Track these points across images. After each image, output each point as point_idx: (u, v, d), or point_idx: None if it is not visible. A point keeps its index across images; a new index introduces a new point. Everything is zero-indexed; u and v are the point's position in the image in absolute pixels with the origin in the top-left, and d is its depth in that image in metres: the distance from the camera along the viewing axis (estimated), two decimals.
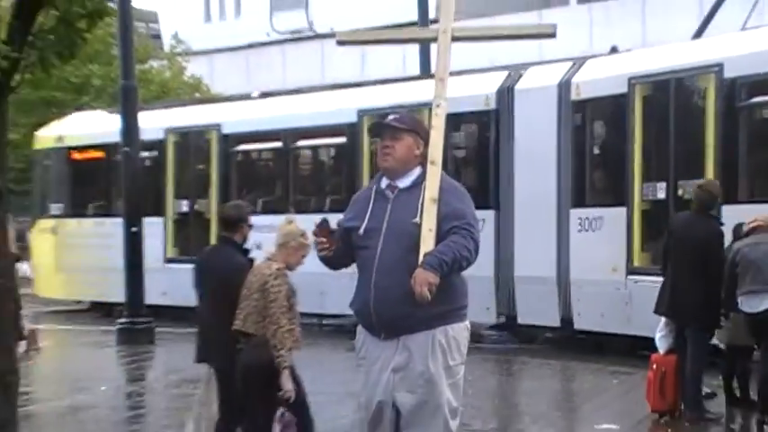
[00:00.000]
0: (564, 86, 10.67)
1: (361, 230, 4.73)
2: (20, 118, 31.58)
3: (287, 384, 5.84)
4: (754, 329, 7.01)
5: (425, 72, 20.33)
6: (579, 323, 10.35)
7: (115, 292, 14.97)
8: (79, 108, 34.84)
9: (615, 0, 40.04)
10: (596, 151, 10.71)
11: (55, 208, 16.39)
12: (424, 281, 4.44)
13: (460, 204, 4.71)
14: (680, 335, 7.65)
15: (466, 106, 11.04)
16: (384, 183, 4.82)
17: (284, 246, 5.94)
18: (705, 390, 7.82)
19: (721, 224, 7.91)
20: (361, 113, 12.39)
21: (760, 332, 6.95)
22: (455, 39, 5.13)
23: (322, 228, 4.77)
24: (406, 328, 4.62)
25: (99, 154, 15.57)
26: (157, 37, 46.00)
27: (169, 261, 16.33)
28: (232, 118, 16.04)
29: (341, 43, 5.45)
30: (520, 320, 11.36)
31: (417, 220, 4.62)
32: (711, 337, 7.74)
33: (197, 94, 37.92)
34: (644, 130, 10.27)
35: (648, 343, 8.17)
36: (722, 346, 8.01)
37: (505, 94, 11.15)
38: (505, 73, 11.23)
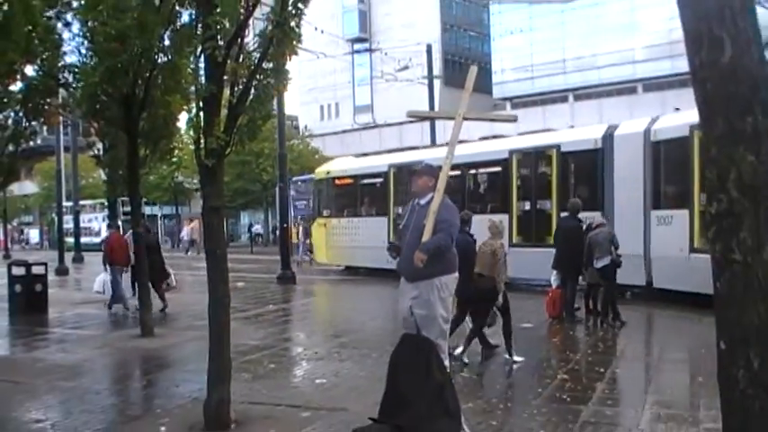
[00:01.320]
0: (647, 132, 10.37)
1: (401, 225, 4.85)
2: (228, 169, 32.16)
3: (500, 299, 6.30)
4: (599, 275, 8.03)
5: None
6: (657, 284, 10.02)
7: (358, 260, 14.78)
8: (258, 164, 35.55)
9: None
10: (668, 174, 10.25)
11: (325, 212, 15.83)
12: (418, 257, 4.47)
13: (447, 215, 4.61)
14: (564, 280, 8.47)
15: (583, 146, 11.02)
16: (416, 201, 4.84)
17: (496, 232, 6.49)
18: (576, 306, 8.42)
19: (581, 221, 8.52)
20: (511, 152, 11.82)
21: (602, 276, 7.99)
22: (465, 119, 4.95)
23: (394, 248, 4.87)
24: (417, 277, 4.59)
25: (349, 180, 15.05)
26: (296, 128, 46.33)
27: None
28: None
29: (410, 115, 5.39)
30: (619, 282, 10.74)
31: (425, 222, 4.63)
32: (577, 280, 8.41)
33: (315, 156, 38.01)
34: (699, 160, 9.73)
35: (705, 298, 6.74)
36: (585, 283, 8.48)
37: (608, 138, 10.84)
38: (606, 125, 11.07)
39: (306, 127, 41.65)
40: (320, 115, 51.43)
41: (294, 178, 28.69)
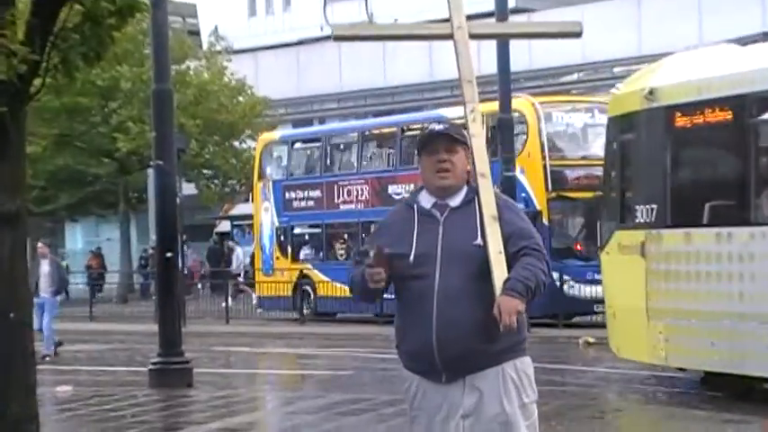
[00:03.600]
0: None
1: (411, 257, 4.70)
2: (39, 128, 32.20)
3: None
4: None
5: (502, 72, 20.34)
6: None
7: None
8: (107, 116, 35.49)
9: None
10: None
11: (651, 214, 13.04)
12: (512, 309, 4.48)
13: (523, 222, 4.80)
14: None
15: None
16: (427, 202, 4.81)
17: None
18: None
19: None
20: None
21: None
22: (472, 36, 5.17)
23: (380, 257, 4.64)
24: (474, 366, 4.64)
25: (724, 115, 12.22)
26: (196, 33, 46.57)
27: None
28: None
29: (338, 38, 5.47)
30: None
31: (479, 241, 4.65)
32: None
33: (240, 97, 38.22)
34: None
35: None
36: None
37: None
38: None
39: (216, 31, 41.75)
40: (249, 5, 52.02)
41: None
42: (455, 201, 4.80)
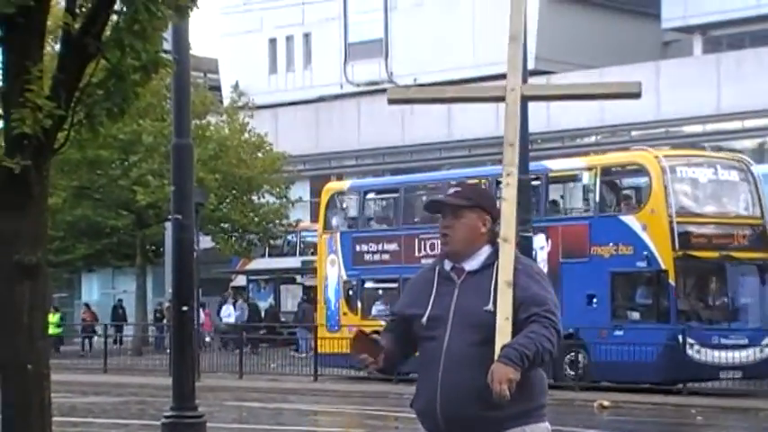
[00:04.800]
0: None
1: (425, 319, 4.75)
2: (59, 179, 32.39)
3: None
4: None
5: (522, 133, 20.39)
6: None
7: None
8: (127, 169, 35.70)
9: (749, 49, 39.99)
10: None
11: None
12: (503, 377, 4.45)
13: (539, 289, 4.72)
14: None
15: None
16: (448, 264, 4.86)
17: None
18: None
19: None
20: None
21: None
22: (525, 98, 5.13)
23: (360, 342, 4.74)
24: (477, 431, 4.64)
25: None
26: (217, 89, 46.97)
27: None
28: None
29: (392, 102, 5.51)
30: None
31: (490, 307, 4.64)
32: None
33: (259, 152, 38.43)
34: None
35: None
36: None
37: None
38: None
39: (237, 87, 42.16)
40: (269, 61, 52.50)
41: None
42: (472, 264, 4.80)
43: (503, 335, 4.57)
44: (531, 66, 22.17)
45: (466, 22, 44.17)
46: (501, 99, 5.17)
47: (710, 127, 38.48)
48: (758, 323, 22.27)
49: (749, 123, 38.13)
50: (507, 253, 4.75)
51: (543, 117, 34.79)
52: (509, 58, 5.20)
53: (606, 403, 19.99)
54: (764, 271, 22.38)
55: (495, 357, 4.52)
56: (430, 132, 42.68)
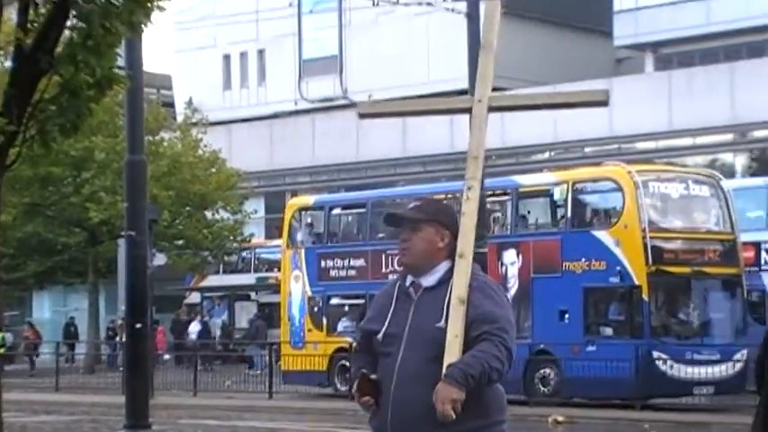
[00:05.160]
0: None
1: (380, 335, 4.74)
2: (10, 197, 32.04)
3: None
4: None
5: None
6: None
7: None
8: (79, 185, 35.43)
9: (700, 67, 40.48)
10: None
11: None
12: (446, 398, 4.44)
13: (493, 306, 4.67)
14: None
15: None
16: (408, 280, 4.84)
17: None
18: None
19: None
20: None
21: None
22: (492, 109, 5.09)
23: (364, 384, 4.71)
24: None
25: None
26: (170, 105, 46.76)
27: None
28: None
29: (363, 116, 5.48)
30: None
31: (442, 324, 4.60)
32: None
33: (213, 169, 38.29)
34: None
35: None
36: None
37: None
38: None
39: (191, 103, 41.99)
40: (224, 77, 52.38)
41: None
42: (429, 281, 4.78)
43: (451, 353, 4.54)
44: None
45: (420, 39, 44.34)
46: (468, 111, 5.15)
47: (663, 143, 38.87)
48: (729, 338, 22.37)
49: (700, 140, 38.57)
50: (463, 269, 4.70)
51: (498, 133, 34.96)
52: (480, 69, 5.16)
53: (560, 418, 20.04)
54: (735, 286, 22.45)
55: (442, 377, 4.50)
56: (385, 148, 42.78)
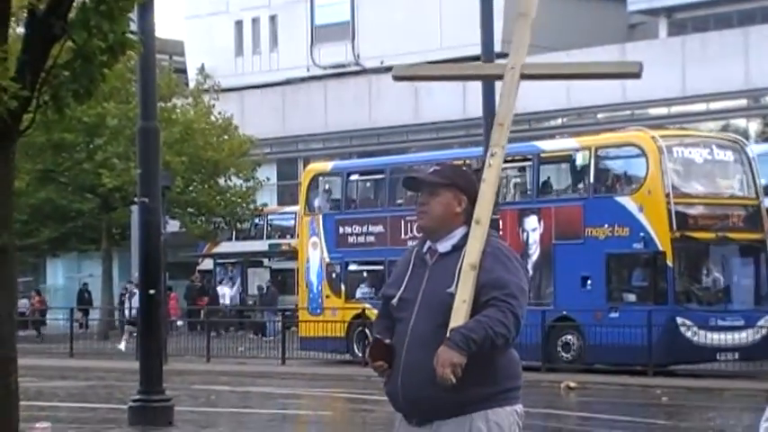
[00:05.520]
0: None
1: (395, 300, 4.80)
2: (24, 163, 32.12)
3: None
4: None
5: (488, 116, 20.37)
6: None
7: None
8: (92, 152, 35.50)
9: (714, 32, 40.23)
10: None
11: None
12: (446, 361, 4.46)
13: (504, 272, 4.67)
14: None
15: None
16: (426, 246, 4.88)
17: None
18: None
19: None
20: None
21: None
22: (524, 77, 5.05)
23: (377, 349, 4.75)
24: (437, 413, 4.63)
25: None
26: (182, 71, 46.68)
27: None
28: None
29: (397, 78, 5.42)
30: None
31: (453, 289, 4.63)
32: None
33: (225, 136, 38.28)
34: None
35: None
36: None
37: None
38: None
39: (203, 70, 41.90)
40: (236, 44, 52.26)
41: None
42: (445, 246, 4.80)
43: (457, 317, 4.55)
44: (497, 48, 22.01)
45: (432, 4, 44.14)
46: (500, 77, 5.11)
47: (675, 109, 38.70)
48: (753, 304, 22.31)
49: (714, 105, 38.39)
50: (478, 235, 4.69)
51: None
52: (515, 35, 5.14)
53: (573, 384, 20.09)
54: (759, 252, 22.33)
55: (444, 341, 4.52)
56: (397, 115, 42.67)
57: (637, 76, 5.19)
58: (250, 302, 39.86)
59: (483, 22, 19.30)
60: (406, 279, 4.80)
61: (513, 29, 5.15)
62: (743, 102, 38.36)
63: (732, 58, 36.73)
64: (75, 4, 6.21)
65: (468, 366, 4.48)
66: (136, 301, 36.45)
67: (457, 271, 4.66)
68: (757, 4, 41.09)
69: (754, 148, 24.54)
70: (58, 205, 37.77)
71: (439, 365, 4.46)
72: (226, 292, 38.94)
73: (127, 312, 33.68)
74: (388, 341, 4.75)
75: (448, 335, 4.51)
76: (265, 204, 41.01)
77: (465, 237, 4.75)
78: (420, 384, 4.60)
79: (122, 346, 30.32)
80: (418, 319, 4.68)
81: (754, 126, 38.67)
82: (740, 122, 38.45)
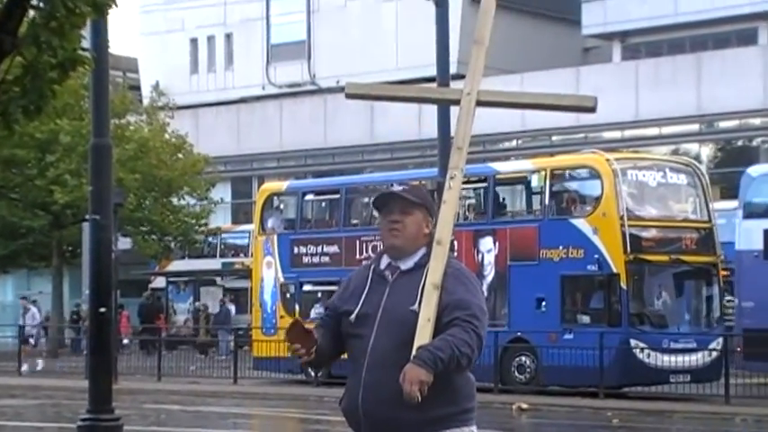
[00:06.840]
0: None
1: (353, 316, 4.76)
2: None
3: None
4: None
5: (444, 137, 20.41)
6: None
7: None
8: (44, 168, 35.21)
9: (667, 57, 40.67)
10: None
11: None
12: (414, 378, 4.45)
13: (465, 293, 4.70)
14: None
15: None
16: (384, 262, 4.86)
17: None
18: None
19: None
20: None
21: None
22: (480, 103, 5.11)
23: (296, 331, 4.74)
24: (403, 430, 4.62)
25: None
26: (137, 88, 46.43)
27: None
28: None
29: (350, 96, 5.44)
30: None
31: (416, 307, 4.63)
32: None
33: (179, 154, 38.08)
34: None
35: None
36: None
37: None
38: None
39: (158, 87, 41.67)
40: (191, 61, 52.11)
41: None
42: (407, 264, 4.80)
43: (422, 336, 4.56)
44: (453, 70, 22.03)
45: (389, 25, 44.30)
46: (456, 102, 5.16)
47: (629, 133, 39.03)
48: (705, 327, 22.47)
49: (666, 130, 38.77)
50: (439, 255, 4.73)
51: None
52: (471, 62, 5.19)
53: (525, 406, 20.13)
54: (711, 275, 22.56)
55: (411, 358, 4.51)
56: (352, 135, 42.73)
57: (592, 110, 5.30)
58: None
59: (438, 45, 19.37)
60: (364, 295, 4.78)
61: (471, 56, 5.20)
62: (695, 126, 38.77)
63: (685, 84, 37.16)
64: (25, 20, 6.16)
65: (429, 386, 4.48)
66: (30, 318, 36.60)
67: (420, 289, 4.67)
68: (709, 31, 41.58)
69: (755, 170, 24.78)
70: (8, 222, 37.35)
71: (406, 382, 4.45)
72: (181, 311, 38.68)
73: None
74: (308, 328, 4.72)
75: (414, 353, 4.50)
76: (218, 228, 40.86)
77: (425, 256, 4.78)
78: (381, 402, 4.60)
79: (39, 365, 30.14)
80: (378, 335, 4.67)
81: (706, 151, 39.07)
82: (692, 147, 38.84)
